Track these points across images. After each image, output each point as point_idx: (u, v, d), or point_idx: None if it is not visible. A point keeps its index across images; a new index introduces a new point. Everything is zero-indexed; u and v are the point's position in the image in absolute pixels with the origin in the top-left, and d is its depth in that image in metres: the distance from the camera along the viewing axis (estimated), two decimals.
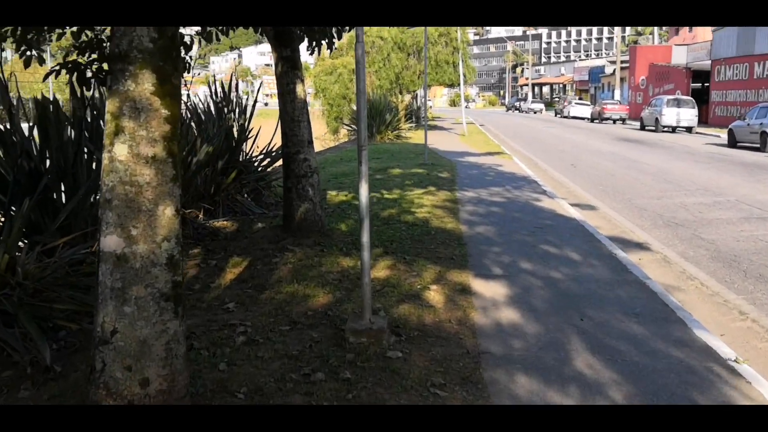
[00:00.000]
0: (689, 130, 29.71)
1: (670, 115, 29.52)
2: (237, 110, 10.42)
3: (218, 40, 6.96)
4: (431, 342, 4.46)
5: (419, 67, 29.38)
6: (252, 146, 10.10)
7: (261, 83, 24.86)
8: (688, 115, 29.43)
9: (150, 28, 2.92)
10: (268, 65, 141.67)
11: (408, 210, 9.20)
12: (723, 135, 26.69)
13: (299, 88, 7.11)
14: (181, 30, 4.55)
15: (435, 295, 5.43)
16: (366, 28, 28.46)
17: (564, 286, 5.78)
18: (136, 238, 2.94)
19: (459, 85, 29.82)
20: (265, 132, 9.89)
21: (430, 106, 59.50)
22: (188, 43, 5.53)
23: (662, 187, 12.27)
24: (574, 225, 8.57)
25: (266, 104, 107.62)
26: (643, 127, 32.20)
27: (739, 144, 21.28)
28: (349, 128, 25.50)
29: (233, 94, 11.07)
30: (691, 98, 30.54)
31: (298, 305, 5.15)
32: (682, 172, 14.48)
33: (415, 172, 13.78)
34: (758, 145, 19.86)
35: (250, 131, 10.03)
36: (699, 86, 39.41)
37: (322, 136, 33.18)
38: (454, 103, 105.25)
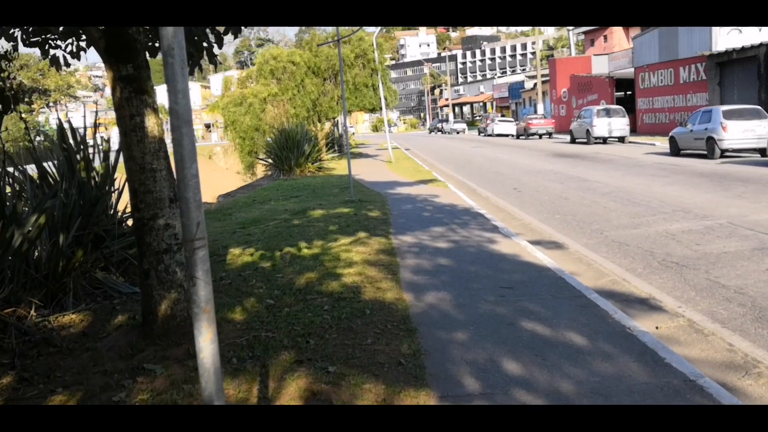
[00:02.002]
0: (622, 140, 28.65)
1: (601, 126, 28.40)
2: (97, 156, 7.99)
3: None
4: None
5: (337, 92, 27.29)
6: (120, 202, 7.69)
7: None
8: (620, 124, 28.38)
9: None
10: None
11: (333, 272, 6.92)
12: (658, 143, 25.73)
13: (151, 122, 4.75)
14: None
15: None
16: (275, 52, 26.24)
17: None
18: None
19: (380, 109, 27.87)
20: None
21: (353, 133, 57.76)
22: None
23: (631, 210, 10.42)
24: (550, 278, 6.47)
25: None
26: (573, 140, 31.05)
27: (682, 152, 20.03)
28: (265, 163, 22.99)
29: (96, 136, 8.66)
30: (621, 107, 29.57)
31: None
32: (643, 189, 12.75)
33: (340, 213, 11.53)
34: (704, 152, 18.59)
35: (113, 183, 7.62)
36: (622, 95, 38.96)
37: (236, 175, 30.61)
38: (376, 129, 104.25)
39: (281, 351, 4.58)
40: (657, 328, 5.06)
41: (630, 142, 28.27)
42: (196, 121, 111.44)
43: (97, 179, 7.59)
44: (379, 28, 28.82)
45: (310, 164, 21.72)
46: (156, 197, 4.75)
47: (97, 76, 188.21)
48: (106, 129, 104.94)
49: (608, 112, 28.87)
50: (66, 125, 7.42)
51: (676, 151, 20.18)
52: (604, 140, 29.12)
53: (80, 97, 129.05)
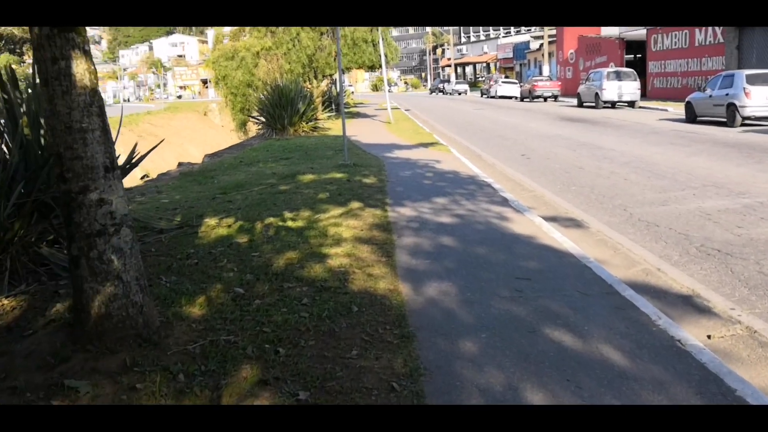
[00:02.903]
0: (632, 104, 27.42)
1: (611, 90, 27.13)
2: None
3: None
4: None
5: (334, 47, 25.90)
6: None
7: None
8: (631, 88, 27.10)
9: None
10: (180, 56, 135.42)
11: (318, 252, 5.92)
12: (671, 108, 24.57)
13: (80, 68, 3.69)
14: None
15: None
16: None
17: None
18: None
19: (380, 67, 26.53)
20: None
21: (352, 92, 56.26)
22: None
23: (656, 184, 9.39)
24: (574, 266, 5.48)
25: (179, 96, 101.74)
26: (580, 104, 29.82)
27: (699, 118, 18.89)
28: (257, 121, 21.79)
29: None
30: (632, 70, 28.24)
31: None
32: (665, 160, 11.68)
33: (332, 178, 10.50)
34: (723, 119, 17.47)
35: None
36: (632, 58, 37.54)
37: (231, 132, 29.34)
38: (376, 88, 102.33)
39: (242, 364, 3.61)
40: (709, 337, 4.10)
41: (640, 107, 27.06)
42: (193, 77, 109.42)
43: (47, 138, 6.54)
44: None
45: (305, 123, 20.56)
46: (86, 164, 3.71)
47: (93, 29, 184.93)
48: (103, 82, 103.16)
49: (619, 75, 27.56)
50: (7, 72, 6.31)
51: (692, 117, 19.04)
52: (613, 104, 27.89)
53: None
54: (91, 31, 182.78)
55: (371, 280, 5.13)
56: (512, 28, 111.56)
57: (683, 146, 13.54)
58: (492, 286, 4.97)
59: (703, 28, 27.82)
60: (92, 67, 3.80)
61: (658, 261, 5.75)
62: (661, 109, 25.17)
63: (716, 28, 26.93)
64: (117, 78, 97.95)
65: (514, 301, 4.62)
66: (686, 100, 19.44)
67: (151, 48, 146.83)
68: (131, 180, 23.31)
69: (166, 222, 7.69)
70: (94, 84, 3.79)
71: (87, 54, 3.76)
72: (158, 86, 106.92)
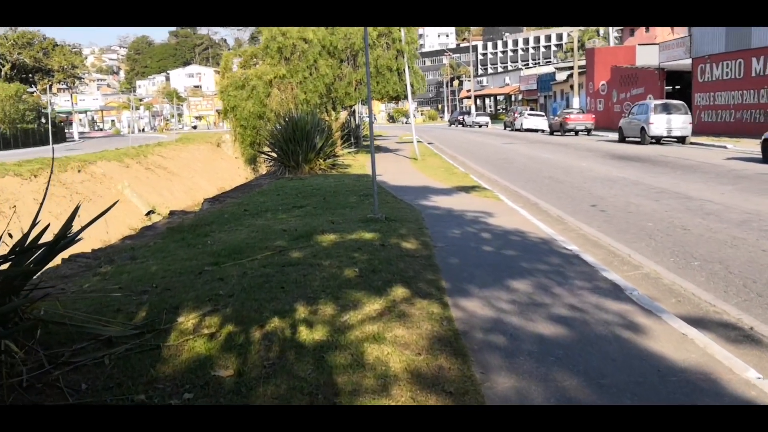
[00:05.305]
0: (682, 140, 24.72)
1: (659, 124, 24.48)
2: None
3: None
4: None
5: (355, 76, 23.53)
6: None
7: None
8: (681, 122, 24.44)
9: None
10: (197, 86, 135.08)
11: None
12: (730, 145, 21.93)
13: None
14: None
15: None
16: (285, 28, 22.55)
17: None
18: None
19: (405, 97, 24.09)
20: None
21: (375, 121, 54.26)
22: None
23: None
24: None
25: (194, 127, 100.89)
26: (622, 139, 27.19)
27: None
28: (268, 157, 19.33)
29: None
30: (683, 103, 25.60)
31: None
32: None
33: (360, 240, 7.94)
34: None
35: None
36: (670, 89, 35.01)
37: (244, 165, 26.91)
38: (393, 119, 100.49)
39: None
40: None
41: (692, 143, 24.39)
42: (209, 107, 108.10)
43: None
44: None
45: (322, 160, 18.07)
46: None
47: (111, 59, 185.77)
48: (118, 112, 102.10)
49: (667, 108, 24.92)
50: None
51: None
52: (658, 140, 25.26)
53: (91, 79, 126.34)
54: (109, 62, 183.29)
55: None
56: (530, 61, 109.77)
57: None
58: None
59: (762, 57, 25.21)
60: None
61: None
62: (719, 146, 22.48)
63: None
64: (129, 108, 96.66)
65: None
66: (764, 137, 16.76)
67: (167, 78, 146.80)
68: (117, 231, 20.69)
69: (121, 324, 5.14)
70: None
71: None
72: (172, 116, 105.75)
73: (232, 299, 5.60)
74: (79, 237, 5.05)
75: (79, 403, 3.17)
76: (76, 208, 5.06)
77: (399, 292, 5.66)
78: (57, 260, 8.29)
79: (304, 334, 4.67)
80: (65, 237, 4.97)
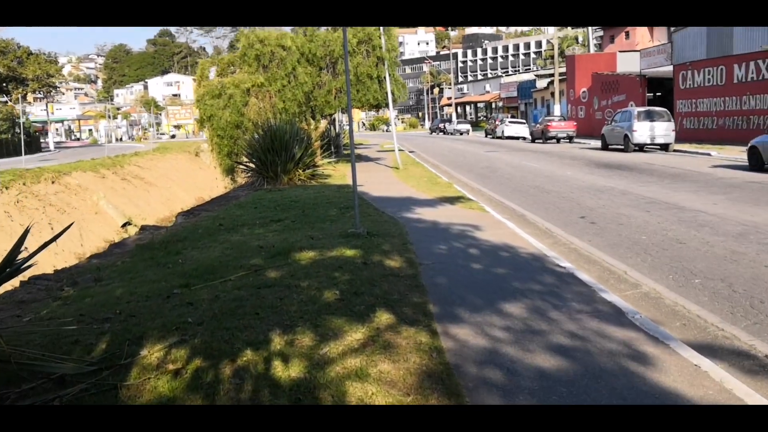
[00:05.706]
0: (665, 148, 24.56)
1: (642, 131, 24.29)
2: None
3: None
4: None
5: (335, 84, 23.07)
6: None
7: None
8: (664, 130, 24.26)
9: None
10: (175, 95, 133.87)
11: None
12: (714, 152, 21.80)
13: None
14: None
15: None
16: (263, 35, 22.06)
17: None
18: None
19: (386, 105, 23.70)
20: None
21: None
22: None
23: None
24: None
25: (173, 136, 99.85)
26: (605, 147, 27.00)
27: (767, 166, 16.02)
28: (246, 168, 18.80)
29: None
30: (665, 110, 25.46)
31: None
32: None
33: (341, 257, 7.49)
34: None
35: None
36: (651, 96, 34.99)
37: (220, 175, 26.30)
38: (373, 127, 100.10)
39: None
40: None
41: (676, 151, 24.23)
42: (187, 116, 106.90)
43: None
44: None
45: (301, 171, 17.58)
46: None
47: (89, 68, 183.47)
48: (95, 122, 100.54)
49: (650, 115, 24.75)
50: None
51: (759, 164, 16.12)
52: (641, 147, 25.08)
53: (68, 87, 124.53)
54: (87, 70, 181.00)
55: None
56: (509, 68, 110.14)
57: None
58: None
59: (744, 64, 25.16)
60: None
61: None
62: (703, 153, 22.32)
63: (760, 62, 24.27)
64: (106, 117, 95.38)
65: None
66: (750, 144, 16.56)
67: (146, 87, 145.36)
68: (92, 244, 19.84)
69: (76, 360, 4.64)
70: None
71: None
72: (150, 125, 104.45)
73: (202, 327, 5.13)
74: (28, 264, 4.55)
75: (79, 403, 3.11)
76: (25, 233, 4.55)
77: (383, 318, 5.22)
78: (15, 282, 7.75)
79: (280, 370, 4.21)
80: (12, 264, 4.46)
